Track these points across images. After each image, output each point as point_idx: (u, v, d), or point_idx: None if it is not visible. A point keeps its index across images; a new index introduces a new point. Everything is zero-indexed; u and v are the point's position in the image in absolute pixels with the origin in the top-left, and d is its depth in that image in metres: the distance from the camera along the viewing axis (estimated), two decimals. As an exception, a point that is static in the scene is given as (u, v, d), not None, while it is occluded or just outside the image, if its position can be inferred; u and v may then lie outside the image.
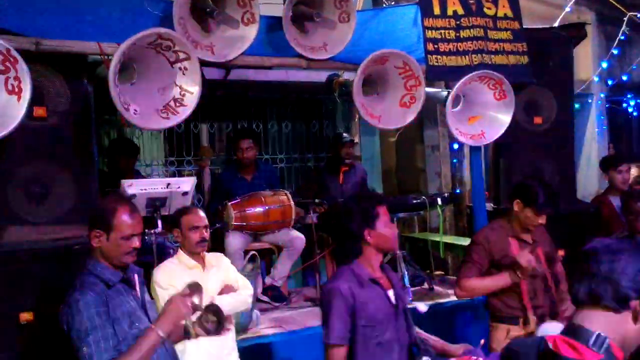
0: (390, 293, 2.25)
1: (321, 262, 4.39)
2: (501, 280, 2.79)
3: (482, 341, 2.44)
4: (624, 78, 7.17)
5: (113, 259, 2.01)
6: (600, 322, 1.27)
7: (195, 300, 2.02)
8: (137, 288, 2.11)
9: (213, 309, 2.19)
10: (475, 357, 2.18)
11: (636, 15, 6.18)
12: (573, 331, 1.29)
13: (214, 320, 2.16)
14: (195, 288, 2.05)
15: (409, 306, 2.44)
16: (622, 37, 6.38)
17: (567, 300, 2.89)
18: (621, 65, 7.20)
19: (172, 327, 1.94)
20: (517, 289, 2.80)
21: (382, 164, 5.81)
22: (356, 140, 5.17)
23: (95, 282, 1.95)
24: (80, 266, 2.07)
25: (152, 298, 2.60)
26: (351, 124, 5.50)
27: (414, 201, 4.46)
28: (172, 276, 2.82)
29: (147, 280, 2.58)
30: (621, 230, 3.66)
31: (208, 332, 2.15)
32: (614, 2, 5.99)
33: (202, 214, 2.93)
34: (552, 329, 2.65)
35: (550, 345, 1.27)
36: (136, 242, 2.02)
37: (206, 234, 2.87)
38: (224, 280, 2.93)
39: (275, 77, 4.74)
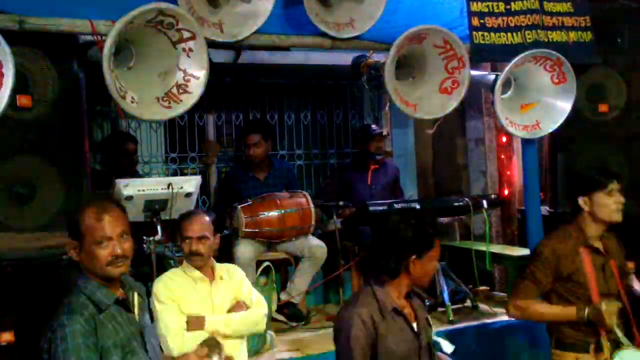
0: (414, 326, 2.29)
1: (345, 275, 4.41)
2: (568, 314, 2.80)
3: None
4: None
5: (97, 273, 1.96)
6: None
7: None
8: (136, 310, 2.09)
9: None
10: None
11: None
12: None
13: None
14: (213, 346, 2.04)
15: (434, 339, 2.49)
16: None
17: None
18: None
19: None
20: None
21: (416, 161, 5.82)
22: (387, 132, 5.17)
23: (86, 305, 1.91)
24: (68, 279, 2.07)
25: (152, 321, 2.61)
26: (381, 114, 5.50)
27: (456, 204, 4.44)
28: (173, 290, 2.85)
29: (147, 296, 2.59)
30: None
31: None
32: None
33: (199, 222, 2.91)
34: (629, 356, 2.66)
35: None
36: (114, 248, 1.94)
37: (196, 247, 2.86)
38: (234, 295, 2.95)
39: (293, 60, 4.75)
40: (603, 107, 4.47)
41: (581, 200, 2.87)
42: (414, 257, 2.22)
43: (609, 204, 2.84)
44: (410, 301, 2.36)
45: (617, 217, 2.87)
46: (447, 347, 2.89)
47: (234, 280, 3.01)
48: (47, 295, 2.44)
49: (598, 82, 4.47)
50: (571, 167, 4.49)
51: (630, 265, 4.42)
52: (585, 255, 2.85)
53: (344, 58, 4.40)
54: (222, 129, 5.04)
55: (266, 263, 3.49)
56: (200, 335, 2.74)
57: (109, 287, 1.99)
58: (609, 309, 2.69)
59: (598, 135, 4.48)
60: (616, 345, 2.72)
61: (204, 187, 4.47)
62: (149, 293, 2.73)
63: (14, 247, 2.79)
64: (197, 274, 2.90)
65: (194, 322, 2.79)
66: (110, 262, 1.94)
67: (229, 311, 2.90)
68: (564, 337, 2.87)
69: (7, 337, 2.69)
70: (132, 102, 2.79)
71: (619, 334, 2.73)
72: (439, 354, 2.56)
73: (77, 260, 1.98)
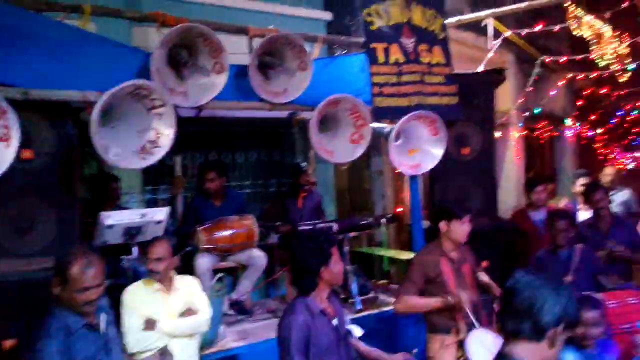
0: (335, 321, 2.31)
1: (281, 276, 4.43)
2: (435, 303, 2.90)
3: (415, 350, 2.52)
4: (537, 110, 7.61)
5: (72, 308, 1.94)
6: (525, 351, 1.37)
7: None
8: (102, 328, 2.05)
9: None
10: None
11: (547, 59, 6.58)
12: (503, 359, 1.39)
13: None
14: (165, 354, 2.02)
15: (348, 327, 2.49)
16: (536, 75, 6.77)
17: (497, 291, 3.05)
18: (535, 98, 7.62)
19: None
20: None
21: (335, 187, 5.88)
22: (313, 167, 5.22)
23: (60, 328, 1.89)
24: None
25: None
26: (308, 153, 5.52)
27: (363, 222, 4.53)
28: (136, 298, 2.81)
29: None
30: (546, 245, 3.81)
31: None
32: (527, 48, 6.36)
33: (158, 247, 2.84)
34: (479, 335, 2.81)
35: None
36: (92, 295, 1.94)
37: (154, 266, 2.81)
38: (186, 303, 2.89)
39: (242, 114, 4.70)
40: (465, 151, 4.73)
41: (442, 224, 3.01)
42: (323, 267, 2.25)
43: (461, 230, 2.98)
44: (332, 302, 2.38)
45: (464, 240, 3.03)
46: (358, 331, 2.86)
47: (188, 290, 2.95)
48: (43, 309, 2.36)
49: (461, 132, 4.73)
50: (442, 194, 4.72)
51: (484, 264, 4.67)
52: (444, 263, 2.98)
53: (281, 112, 4.40)
54: (187, 167, 4.96)
55: (221, 274, 3.46)
56: (152, 335, 2.71)
57: (81, 313, 1.97)
58: (464, 298, 2.84)
59: (462, 171, 4.71)
60: (470, 328, 2.83)
61: (172, 212, 4.37)
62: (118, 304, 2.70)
63: (16, 269, 2.69)
64: (156, 285, 2.86)
65: (148, 324, 2.74)
66: (85, 304, 1.95)
67: (181, 316, 2.85)
68: (433, 323, 2.99)
69: (11, 343, 2.56)
70: (114, 155, 2.74)
71: (472, 317, 2.84)
72: (352, 339, 2.58)
73: (59, 294, 1.95)
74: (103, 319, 2.09)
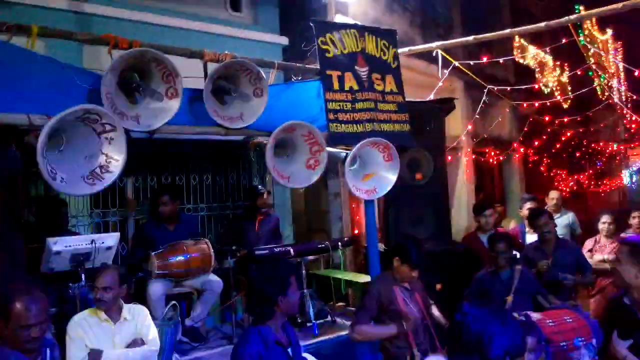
0: (289, 351, 2.29)
1: (237, 301, 4.34)
2: (390, 330, 2.93)
3: None
4: (485, 135, 7.93)
5: (14, 345, 1.86)
6: None
7: None
8: None
9: None
10: None
11: (494, 88, 6.90)
12: None
13: None
14: None
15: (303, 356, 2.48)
16: (483, 103, 7.07)
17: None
18: (483, 124, 7.94)
19: None
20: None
21: (292, 209, 5.86)
22: (269, 190, 5.20)
23: None
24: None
25: None
26: (265, 176, 5.51)
27: (320, 246, 4.56)
28: (82, 328, 2.71)
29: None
30: (489, 265, 4.02)
31: None
32: (475, 77, 6.66)
33: (105, 276, 2.77)
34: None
35: None
36: (35, 332, 1.88)
37: (102, 295, 2.74)
38: (135, 334, 2.81)
39: (196, 136, 4.64)
40: (418, 176, 4.85)
41: (396, 259, 3.10)
42: (280, 297, 2.22)
43: (408, 276, 3.05)
44: (287, 330, 2.35)
45: (409, 279, 3.09)
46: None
47: (137, 320, 2.87)
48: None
49: (414, 158, 4.86)
50: (397, 218, 4.81)
51: (438, 287, 4.78)
52: (397, 292, 3.04)
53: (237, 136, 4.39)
54: (139, 189, 4.82)
55: (173, 302, 3.36)
56: None
57: (24, 351, 1.88)
58: (417, 325, 2.88)
59: (415, 195, 4.85)
60: (424, 354, 2.88)
61: (123, 235, 4.24)
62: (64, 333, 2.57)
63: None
64: (103, 315, 2.77)
65: (93, 355, 2.64)
66: (28, 342, 1.88)
67: (128, 346, 2.75)
68: (388, 350, 3.02)
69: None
70: (61, 181, 2.63)
71: (425, 344, 2.90)
72: None
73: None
74: (47, 355, 1.98)
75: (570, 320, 3.24)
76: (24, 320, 1.85)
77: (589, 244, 5.20)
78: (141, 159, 4.75)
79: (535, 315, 3.32)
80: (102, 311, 2.78)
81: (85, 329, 2.72)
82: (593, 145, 11.47)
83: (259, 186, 4.94)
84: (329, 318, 4.46)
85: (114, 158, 2.86)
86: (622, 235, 5.11)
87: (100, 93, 2.82)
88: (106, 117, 2.75)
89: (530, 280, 3.80)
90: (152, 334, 2.87)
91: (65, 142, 2.84)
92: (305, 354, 2.65)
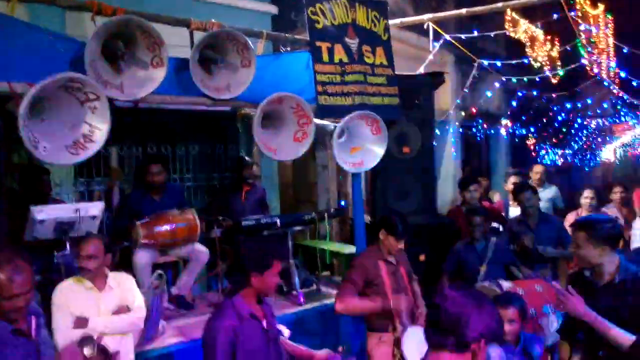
0: (264, 323, 2.30)
1: (223, 269, 4.38)
2: (374, 305, 2.97)
3: (340, 348, 2.57)
4: (474, 110, 7.93)
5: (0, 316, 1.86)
6: None
7: (86, 351, 1.94)
8: (33, 333, 1.98)
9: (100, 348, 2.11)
10: None
11: (482, 62, 6.87)
12: None
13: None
14: (86, 340, 1.97)
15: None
16: (474, 76, 7.05)
17: (421, 305, 3.18)
18: (472, 98, 7.94)
19: None
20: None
21: (280, 180, 5.87)
22: (257, 162, 5.17)
23: None
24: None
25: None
26: (252, 147, 5.46)
27: (306, 217, 4.56)
28: (67, 296, 2.72)
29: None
30: (465, 238, 4.13)
31: None
32: (466, 51, 6.61)
33: (90, 244, 2.75)
34: (413, 332, 2.91)
35: None
36: (20, 302, 1.87)
37: (86, 264, 2.73)
38: (120, 301, 2.83)
39: (182, 106, 4.58)
40: (406, 149, 4.87)
41: (381, 232, 3.13)
42: (254, 274, 2.20)
43: (395, 246, 3.09)
44: (262, 306, 2.34)
45: (395, 252, 3.13)
46: (285, 332, 2.85)
47: (123, 288, 2.88)
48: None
49: (402, 132, 4.86)
50: (383, 191, 4.84)
51: (422, 257, 4.86)
52: (382, 266, 3.09)
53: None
54: (124, 158, 4.76)
55: (159, 271, 3.38)
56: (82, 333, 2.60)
57: (8, 320, 1.88)
58: (401, 301, 2.93)
59: (403, 169, 4.87)
60: (405, 328, 2.88)
61: (108, 205, 4.21)
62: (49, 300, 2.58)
63: None
64: (88, 284, 2.77)
65: (78, 322, 2.67)
66: (13, 311, 1.87)
67: (114, 314, 2.77)
68: (372, 322, 3.09)
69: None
70: (44, 150, 2.60)
71: (407, 319, 2.93)
72: (282, 338, 2.58)
73: None
74: (34, 322, 1.99)
75: (541, 288, 3.40)
76: (9, 291, 1.83)
77: (570, 217, 5.29)
78: (126, 128, 4.69)
79: (506, 284, 3.46)
80: (87, 279, 2.79)
81: (70, 296, 2.72)
82: (579, 120, 11.55)
83: (246, 157, 4.92)
84: (314, 287, 4.52)
85: (98, 127, 2.82)
86: (603, 210, 5.21)
87: (84, 61, 2.75)
88: (89, 85, 2.70)
89: (504, 251, 3.97)
90: (137, 301, 2.89)
91: (47, 111, 2.79)
92: (279, 326, 2.64)
